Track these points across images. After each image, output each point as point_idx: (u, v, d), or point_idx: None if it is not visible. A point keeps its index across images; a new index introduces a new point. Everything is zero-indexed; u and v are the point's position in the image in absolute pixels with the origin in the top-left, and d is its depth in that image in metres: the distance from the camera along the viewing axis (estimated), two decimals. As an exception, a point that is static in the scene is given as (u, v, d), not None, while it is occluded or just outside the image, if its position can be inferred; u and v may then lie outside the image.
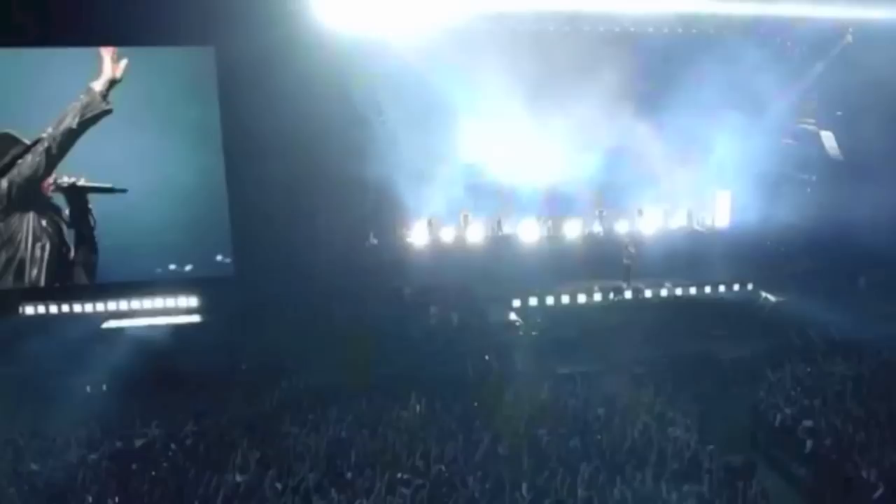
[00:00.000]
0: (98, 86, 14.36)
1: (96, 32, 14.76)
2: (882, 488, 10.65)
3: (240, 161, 15.83)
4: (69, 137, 14.45)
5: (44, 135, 14.37)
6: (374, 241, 17.71)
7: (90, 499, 10.01)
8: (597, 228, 19.86)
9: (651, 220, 20.01)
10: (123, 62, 14.50)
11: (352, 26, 15.44)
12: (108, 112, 14.49)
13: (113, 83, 14.41)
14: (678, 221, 20.50)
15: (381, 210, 17.73)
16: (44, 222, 14.82)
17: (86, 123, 14.45)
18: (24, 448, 11.19)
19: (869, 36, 16.97)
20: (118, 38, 14.90)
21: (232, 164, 15.85)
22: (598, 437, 11.78)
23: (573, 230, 19.52)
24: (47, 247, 14.82)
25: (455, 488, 10.35)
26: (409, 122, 16.99)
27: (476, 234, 19.06)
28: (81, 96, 14.42)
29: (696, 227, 20.65)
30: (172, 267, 15.60)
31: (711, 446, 11.37)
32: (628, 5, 16.17)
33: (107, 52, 14.50)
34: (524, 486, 10.34)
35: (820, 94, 18.19)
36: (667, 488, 10.19)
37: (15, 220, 14.70)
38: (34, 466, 10.78)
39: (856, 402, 12.82)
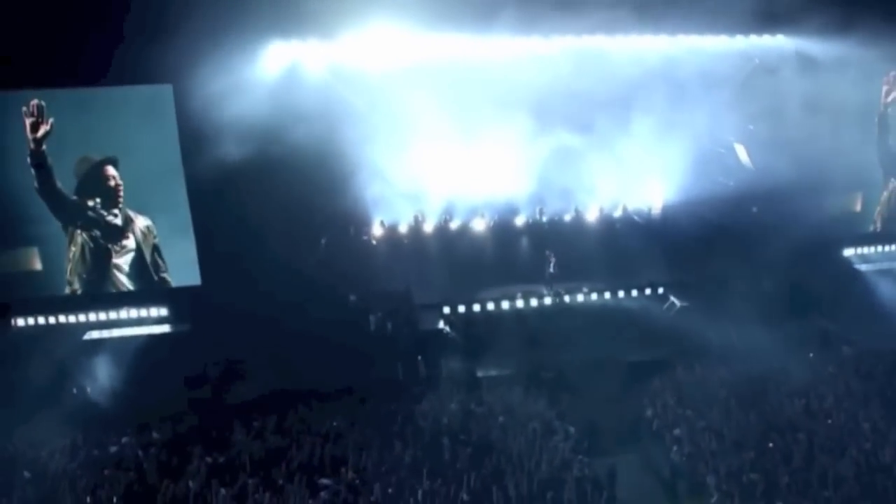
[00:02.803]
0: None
1: (58, 75, 16.61)
2: (716, 495, 12.93)
3: (201, 186, 17.71)
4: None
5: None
6: (323, 242, 19.67)
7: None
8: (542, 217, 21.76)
9: (590, 214, 21.80)
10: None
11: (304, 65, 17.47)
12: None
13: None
14: (616, 213, 22.27)
15: (335, 218, 19.65)
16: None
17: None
18: (16, 456, 13.66)
19: (771, 60, 18.88)
20: (80, 79, 16.79)
21: (193, 189, 17.75)
22: (492, 444, 14.08)
23: (518, 220, 21.37)
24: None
25: (361, 494, 12.69)
26: (360, 142, 18.72)
27: (428, 227, 20.98)
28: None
29: (635, 217, 22.40)
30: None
31: (581, 456, 13.62)
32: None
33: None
34: (419, 493, 12.70)
35: (736, 110, 19.62)
36: (531, 496, 12.48)
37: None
38: (27, 474, 13.22)
39: (720, 410, 14.97)
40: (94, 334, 17.57)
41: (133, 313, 17.86)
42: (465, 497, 12.45)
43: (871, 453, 13.26)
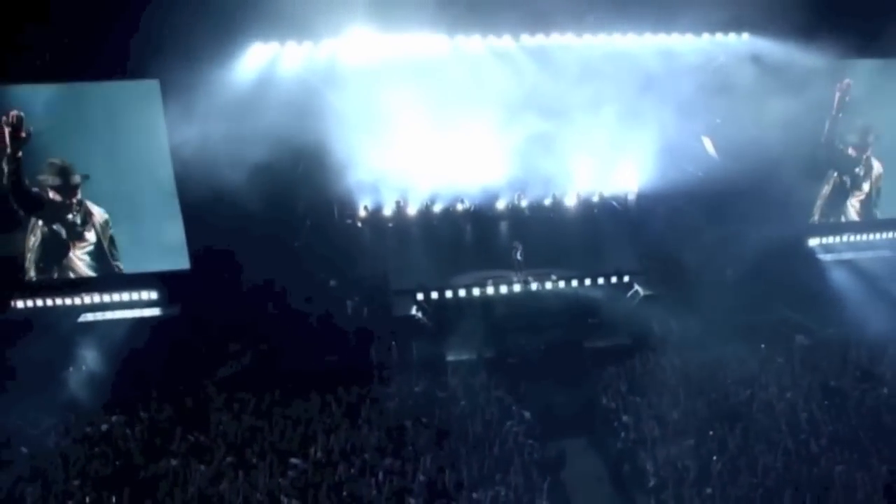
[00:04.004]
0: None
1: (50, 70, 17.51)
2: (653, 480, 13.93)
3: (188, 174, 18.50)
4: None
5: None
6: (308, 223, 20.54)
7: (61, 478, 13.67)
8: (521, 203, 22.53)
9: (568, 200, 22.57)
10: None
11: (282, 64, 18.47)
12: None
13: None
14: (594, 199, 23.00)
15: (318, 205, 20.56)
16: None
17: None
18: (15, 433, 14.88)
19: (735, 58, 19.59)
20: (69, 74, 17.65)
21: (181, 178, 18.64)
22: (451, 428, 15.10)
23: (496, 207, 22.19)
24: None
25: (326, 473, 13.80)
26: (339, 133, 19.45)
27: (408, 214, 21.83)
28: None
29: (613, 203, 23.15)
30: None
31: (531, 440, 14.64)
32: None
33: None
34: (379, 473, 13.79)
35: (703, 104, 20.16)
36: (481, 478, 13.51)
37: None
38: (24, 450, 14.46)
39: (668, 398, 15.89)
40: (89, 316, 18.76)
41: (125, 296, 19.02)
42: (421, 478, 13.56)
43: (803, 444, 14.25)
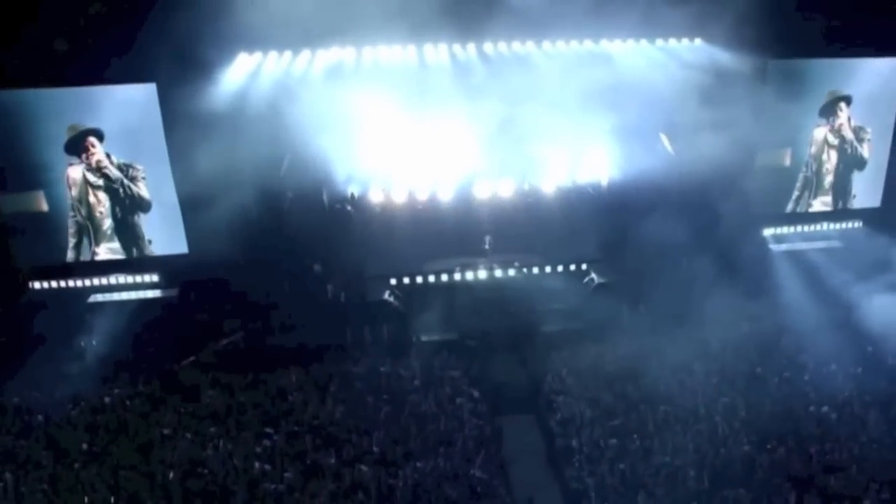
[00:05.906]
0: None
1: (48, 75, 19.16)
2: (578, 457, 15.68)
3: (185, 167, 20.27)
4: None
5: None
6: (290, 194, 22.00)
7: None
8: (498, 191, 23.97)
9: (547, 186, 23.88)
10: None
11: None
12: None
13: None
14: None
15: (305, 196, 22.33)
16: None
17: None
18: (33, 405, 17.26)
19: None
20: (67, 79, 19.44)
21: (178, 170, 20.56)
22: (406, 404, 17.03)
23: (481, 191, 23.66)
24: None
25: (294, 444, 15.94)
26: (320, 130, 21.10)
27: (392, 199, 23.43)
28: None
29: (590, 189, 24.47)
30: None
31: (476, 418, 16.52)
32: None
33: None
34: (340, 444, 15.85)
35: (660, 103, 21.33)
36: (426, 451, 15.44)
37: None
38: (40, 418, 16.86)
39: (603, 382, 17.62)
40: (98, 297, 21.03)
41: (129, 279, 21.22)
42: (375, 449, 15.62)
43: (715, 427, 15.92)
